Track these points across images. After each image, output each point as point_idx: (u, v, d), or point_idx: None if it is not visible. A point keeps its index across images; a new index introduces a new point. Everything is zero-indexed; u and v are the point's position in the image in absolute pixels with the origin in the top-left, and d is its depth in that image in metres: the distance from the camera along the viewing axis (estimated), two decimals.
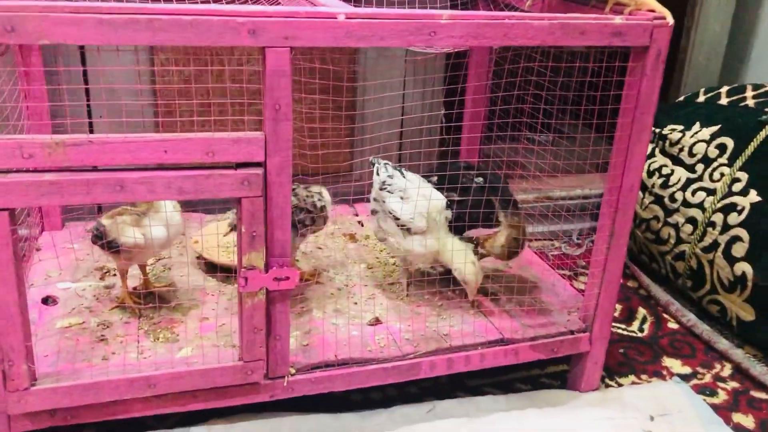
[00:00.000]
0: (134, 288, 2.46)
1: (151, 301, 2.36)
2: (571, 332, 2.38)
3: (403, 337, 2.27)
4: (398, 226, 2.36)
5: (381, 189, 2.42)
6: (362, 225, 3.08)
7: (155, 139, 1.73)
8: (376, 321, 2.35)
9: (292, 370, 2.08)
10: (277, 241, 1.90)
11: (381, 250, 2.84)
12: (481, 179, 2.41)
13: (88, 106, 2.84)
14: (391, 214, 2.37)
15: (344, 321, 2.32)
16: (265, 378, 2.04)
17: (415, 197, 2.32)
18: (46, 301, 2.35)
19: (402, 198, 2.37)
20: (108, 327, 2.24)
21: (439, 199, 2.36)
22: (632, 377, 2.65)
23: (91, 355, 2.08)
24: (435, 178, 2.49)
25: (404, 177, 2.42)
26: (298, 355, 2.14)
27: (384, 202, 2.40)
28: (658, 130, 3.25)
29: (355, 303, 2.45)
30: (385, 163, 2.49)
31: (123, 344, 2.15)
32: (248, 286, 1.88)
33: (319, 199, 2.42)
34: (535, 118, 2.56)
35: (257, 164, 1.82)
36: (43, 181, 1.66)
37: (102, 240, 2.23)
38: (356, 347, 2.18)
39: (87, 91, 2.81)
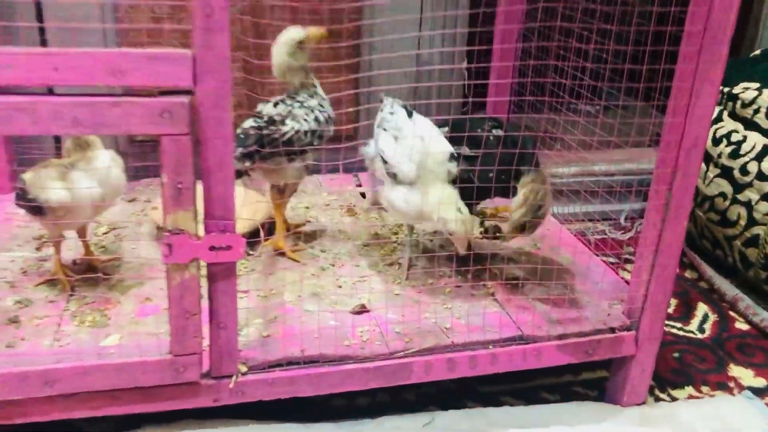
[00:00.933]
0: (73, 261, 2.03)
1: (92, 275, 1.93)
2: (612, 330, 1.85)
3: (393, 329, 1.79)
4: (387, 172, 1.91)
5: (378, 126, 2.01)
6: (364, 197, 2.60)
7: (40, 52, 1.28)
8: (362, 309, 1.86)
9: (243, 368, 1.62)
10: (216, 198, 1.43)
11: (382, 226, 2.35)
12: (499, 131, 1.90)
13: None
14: (381, 155, 1.94)
15: (322, 308, 1.84)
16: (204, 377, 1.58)
17: (411, 139, 1.86)
18: None
19: (395, 138, 1.93)
20: (26, 306, 1.81)
21: (441, 147, 1.86)
22: (689, 389, 2.11)
23: None
24: (447, 128, 1.98)
25: (409, 117, 1.97)
26: (254, 348, 1.67)
27: (378, 141, 1.95)
28: (726, 89, 2.68)
29: (340, 286, 1.97)
30: (394, 100, 2.05)
31: (38, 328, 1.72)
32: (173, 255, 1.42)
33: (321, 109, 2.02)
34: (576, 81, 2.05)
35: (185, 92, 1.35)
36: None
37: (24, 199, 1.80)
38: (330, 341, 1.71)
39: None
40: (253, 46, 2.20)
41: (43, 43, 2.44)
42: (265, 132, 1.93)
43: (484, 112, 2.74)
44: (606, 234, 3.00)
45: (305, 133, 1.95)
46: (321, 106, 2.01)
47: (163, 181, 1.38)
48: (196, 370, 1.54)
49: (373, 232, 2.33)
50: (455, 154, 1.87)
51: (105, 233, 2.22)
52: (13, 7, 2.35)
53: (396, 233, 2.31)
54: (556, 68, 2.11)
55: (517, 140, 1.86)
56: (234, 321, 1.55)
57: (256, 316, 1.81)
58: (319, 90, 2.04)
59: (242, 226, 2.12)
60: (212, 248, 1.45)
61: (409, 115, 1.97)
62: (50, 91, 1.54)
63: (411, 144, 1.85)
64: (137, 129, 1.34)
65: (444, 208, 1.84)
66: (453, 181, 1.88)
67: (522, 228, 1.84)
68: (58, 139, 2.47)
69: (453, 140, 1.91)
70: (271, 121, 1.95)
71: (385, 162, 1.91)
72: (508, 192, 1.89)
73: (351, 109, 2.72)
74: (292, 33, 1.95)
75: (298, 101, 1.99)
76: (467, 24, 2.72)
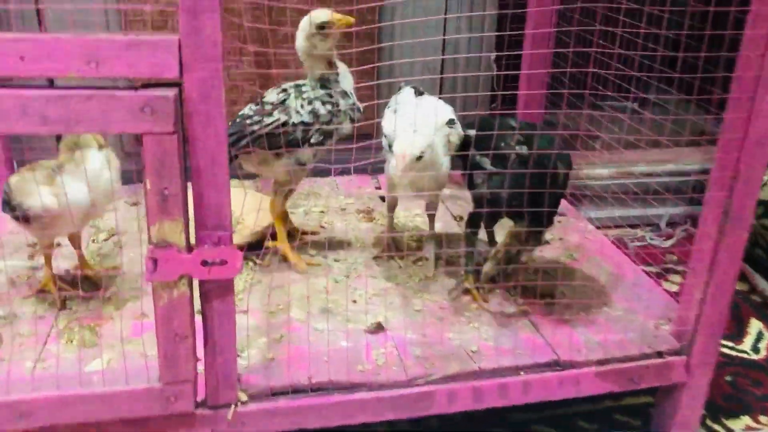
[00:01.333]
0: (66, 271, 1.87)
1: (87, 288, 1.76)
2: (660, 354, 1.64)
3: (413, 352, 1.59)
4: (387, 146, 1.79)
5: (387, 108, 1.91)
6: (384, 201, 2.40)
7: (4, 38, 1.11)
8: (378, 328, 1.67)
9: (243, 397, 1.44)
10: (209, 205, 1.26)
11: (404, 232, 2.16)
12: (524, 148, 1.67)
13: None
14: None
15: (333, 326, 1.65)
16: (199, 407, 1.41)
17: (409, 108, 1.76)
18: None
19: (395, 112, 1.83)
20: (10, 322, 1.65)
21: (439, 112, 1.73)
22: (746, 419, 1.88)
23: None
24: (472, 132, 1.79)
25: (417, 96, 1.88)
26: (256, 373, 1.49)
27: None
28: None
29: (354, 301, 1.78)
30: (411, 86, 1.94)
31: (21, 348, 1.55)
32: (159, 272, 1.24)
33: (327, 101, 1.79)
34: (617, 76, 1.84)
35: (171, 84, 1.17)
36: None
37: (9, 206, 1.64)
38: (341, 365, 1.52)
39: None
40: (271, 35, 2.03)
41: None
42: (247, 121, 1.76)
43: (515, 107, 2.53)
44: (646, 241, 2.77)
45: (295, 126, 1.76)
46: (329, 97, 1.79)
47: (146, 186, 1.20)
48: (190, 399, 1.36)
49: (392, 238, 2.13)
50: (454, 120, 1.74)
51: (105, 239, 2.06)
52: None
53: (418, 240, 2.12)
54: (590, 57, 1.91)
55: (545, 160, 1.63)
56: (232, 343, 1.37)
57: (260, 334, 1.63)
58: (344, 83, 1.82)
59: (247, 233, 1.96)
60: (204, 263, 1.27)
61: (418, 94, 1.84)
62: (51, 84, 1.37)
63: (407, 112, 1.71)
64: (116, 126, 1.16)
65: (402, 135, 1.66)
66: (459, 153, 1.76)
67: (492, 280, 1.68)
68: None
69: (477, 146, 1.72)
70: (257, 113, 1.79)
71: (385, 137, 1.79)
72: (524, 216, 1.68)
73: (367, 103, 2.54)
74: (313, 16, 1.75)
75: (301, 90, 1.80)
76: (496, 6, 2.50)
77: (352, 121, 1.81)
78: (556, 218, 1.87)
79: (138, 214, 2.21)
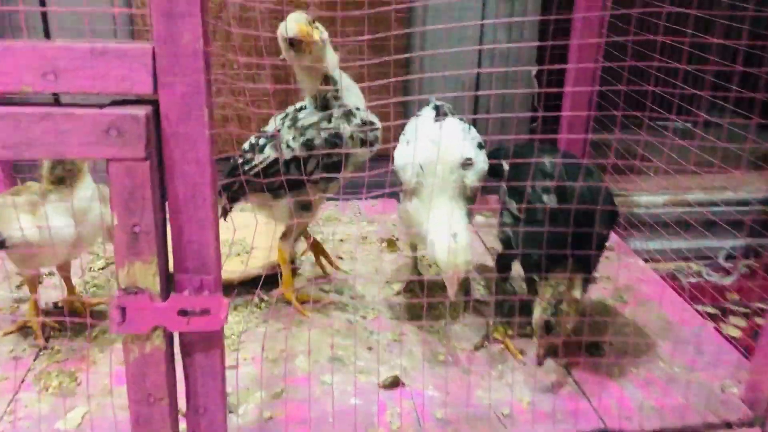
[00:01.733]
0: (54, 304, 1.70)
1: (73, 325, 1.59)
2: (729, 426, 1.39)
3: (434, 414, 1.37)
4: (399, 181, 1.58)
5: (402, 134, 1.67)
6: None
7: None
8: (394, 383, 1.45)
9: None
10: (190, 244, 1.06)
11: (430, 265, 1.94)
12: (553, 198, 1.43)
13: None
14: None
15: (342, 378, 1.44)
16: None
17: (425, 141, 1.48)
18: None
19: (407, 143, 1.59)
20: None
21: (453, 151, 1.46)
22: None
23: None
24: (506, 165, 1.57)
25: (439, 117, 1.61)
26: None
27: None
28: None
29: (370, 348, 1.56)
30: (432, 105, 1.68)
31: None
32: (127, 323, 1.04)
33: (325, 129, 1.52)
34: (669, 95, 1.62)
35: (143, 101, 0.98)
36: None
37: None
38: (348, 428, 1.30)
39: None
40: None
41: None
42: (240, 161, 1.57)
43: (558, 128, 2.29)
44: (702, 276, 2.49)
45: (287, 163, 1.51)
46: (327, 122, 1.53)
47: (112, 221, 1.01)
48: None
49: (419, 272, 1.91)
50: (470, 161, 1.48)
51: (101, 269, 1.89)
52: None
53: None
54: (643, 73, 1.69)
55: (577, 213, 1.37)
56: (219, 403, 1.16)
57: (259, 387, 1.42)
58: (350, 98, 1.56)
59: (257, 264, 1.76)
60: (183, 313, 1.07)
61: (440, 116, 1.60)
62: (56, 101, 1.17)
63: (420, 146, 1.45)
64: (75, 151, 0.97)
65: (436, 229, 1.42)
66: (472, 198, 1.51)
67: (547, 329, 1.42)
68: None
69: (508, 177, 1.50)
70: (252, 146, 1.58)
71: (396, 170, 1.56)
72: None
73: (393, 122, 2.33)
74: (281, 27, 1.49)
75: (297, 117, 1.57)
76: (538, 13, 2.28)
77: (365, 143, 1.55)
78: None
79: None
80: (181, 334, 1.11)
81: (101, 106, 0.98)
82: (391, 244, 2.08)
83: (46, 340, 1.56)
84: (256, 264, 1.75)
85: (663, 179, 2.55)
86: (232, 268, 1.68)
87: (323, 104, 1.54)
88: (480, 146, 1.55)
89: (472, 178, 1.47)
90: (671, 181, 2.58)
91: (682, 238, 2.51)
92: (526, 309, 1.49)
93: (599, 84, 2.16)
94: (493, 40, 2.27)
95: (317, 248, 1.80)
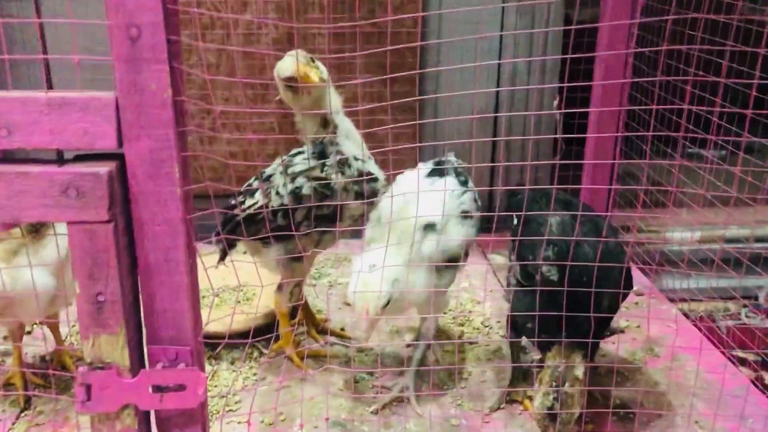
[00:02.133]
0: (42, 357, 1.60)
1: (59, 382, 1.50)
2: None
3: None
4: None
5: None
6: None
7: None
8: None
9: None
10: (162, 313, 0.95)
11: (463, 320, 1.81)
12: (554, 273, 1.28)
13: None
14: None
15: None
16: None
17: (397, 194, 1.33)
18: None
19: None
20: None
21: (414, 210, 1.25)
22: None
23: None
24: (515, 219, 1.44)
25: (433, 174, 1.48)
26: None
27: None
28: None
29: (375, 413, 1.43)
30: (440, 161, 1.55)
31: None
32: (93, 401, 0.93)
33: (343, 163, 1.42)
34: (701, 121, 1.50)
35: (108, 155, 0.88)
36: None
37: None
38: None
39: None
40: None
41: (49, 83, 2.07)
42: (232, 202, 1.48)
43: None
44: (741, 318, 2.32)
45: (275, 211, 1.40)
46: (320, 170, 1.41)
47: (75, 290, 0.90)
48: None
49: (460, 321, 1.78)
50: (435, 226, 1.33)
51: None
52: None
53: (462, 324, 1.76)
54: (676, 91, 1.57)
55: (584, 280, 1.22)
56: None
57: None
58: (347, 146, 1.43)
59: (258, 313, 1.65)
60: (157, 389, 0.95)
61: (436, 173, 1.47)
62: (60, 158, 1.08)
63: (390, 201, 1.29)
64: (29, 214, 0.87)
65: (356, 261, 1.31)
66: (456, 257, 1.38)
67: (550, 416, 1.25)
68: None
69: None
70: (246, 189, 1.49)
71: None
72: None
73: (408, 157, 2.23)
74: (278, 66, 1.40)
75: (292, 162, 1.47)
76: (559, 50, 2.15)
77: (360, 196, 1.42)
78: (632, 300, 1.48)
79: None
80: (156, 411, 1.00)
81: (60, 159, 0.88)
82: None
83: (27, 401, 1.46)
84: (249, 316, 1.66)
85: (698, 213, 2.40)
86: (235, 318, 1.58)
87: (320, 151, 1.42)
88: (464, 215, 1.41)
89: (429, 246, 1.31)
90: (705, 214, 2.43)
91: (719, 276, 2.34)
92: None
93: (628, 104, 2.03)
94: (514, 55, 2.15)
95: (308, 315, 1.68)
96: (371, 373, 1.57)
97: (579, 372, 1.25)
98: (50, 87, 1.98)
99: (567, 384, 1.24)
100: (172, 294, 0.95)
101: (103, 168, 0.87)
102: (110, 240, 0.89)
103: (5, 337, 1.67)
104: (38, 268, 1.32)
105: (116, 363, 0.94)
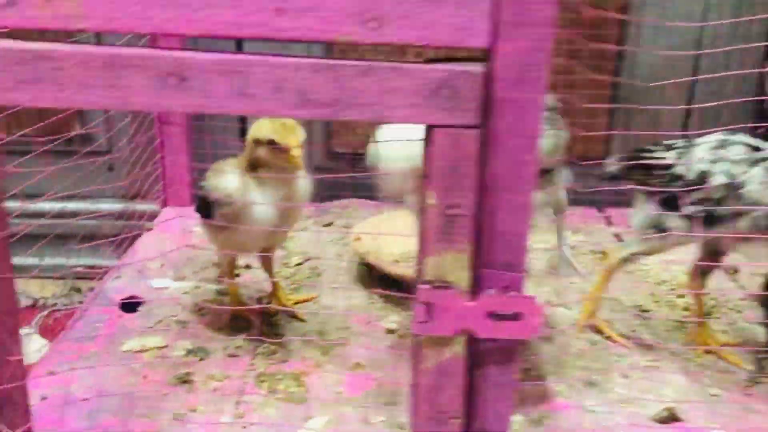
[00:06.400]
0: (258, 300, 1.58)
1: (277, 325, 1.46)
2: None
3: None
4: None
5: None
6: (620, 239, 1.96)
7: None
8: (671, 417, 1.23)
9: None
10: (502, 234, 0.88)
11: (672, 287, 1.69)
12: None
13: None
14: None
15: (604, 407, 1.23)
16: None
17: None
18: (129, 305, 1.54)
19: None
20: (202, 359, 1.36)
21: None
22: None
23: (159, 409, 1.21)
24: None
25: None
26: None
27: None
28: None
29: (626, 376, 1.34)
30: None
31: (215, 394, 1.25)
32: (434, 322, 0.87)
33: None
34: None
35: (473, 58, 0.82)
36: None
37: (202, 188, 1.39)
38: None
39: None
40: None
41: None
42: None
43: None
44: None
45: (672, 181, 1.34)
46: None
47: (426, 201, 0.84)
48: None
49: (648, 296, 1.68)
50: None
51: (298, 264, 1.76)
52: None
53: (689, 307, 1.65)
54: None
55: None
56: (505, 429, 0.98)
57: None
58: None
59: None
60: (493, 316, 0.89)
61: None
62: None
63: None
64: (396, 114, 0.82)
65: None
66: None
67: None
68: (243, 132, 2.00)
69: None
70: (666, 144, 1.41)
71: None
72: None
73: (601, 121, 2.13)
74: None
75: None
76: None
77: None
78: None
79: (331, 237, 1.91)
80: (473, 343, 0.93)
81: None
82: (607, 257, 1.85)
83: (260, 334, 1.42)
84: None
85: None
86: None
87: None
88: None
89: None
90: None
91: None
92: None
93: None
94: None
95: None
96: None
97: None
98: None
99: None
100: (515, 214, 0.88)
101: (477, 68, 0.80)
102: (475, 147, 0.82)
103: (217, 280, 1.65)
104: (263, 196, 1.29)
105: (457, 284, 0.88)
